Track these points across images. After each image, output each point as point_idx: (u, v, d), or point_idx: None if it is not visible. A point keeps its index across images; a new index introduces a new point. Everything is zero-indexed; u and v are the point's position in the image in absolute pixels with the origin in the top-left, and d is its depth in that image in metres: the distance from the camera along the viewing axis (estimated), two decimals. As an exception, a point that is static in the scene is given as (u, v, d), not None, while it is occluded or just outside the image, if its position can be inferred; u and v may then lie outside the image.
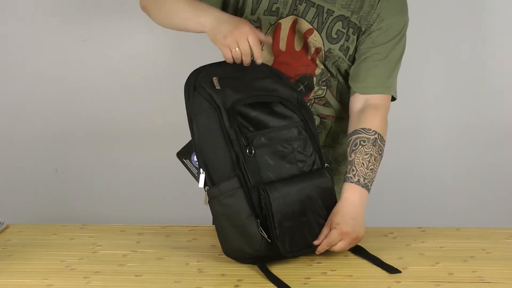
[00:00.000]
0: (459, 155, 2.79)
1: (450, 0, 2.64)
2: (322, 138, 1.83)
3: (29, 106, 2.82)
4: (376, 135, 1.68)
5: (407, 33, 1.78)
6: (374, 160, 1.66)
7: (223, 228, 1.54)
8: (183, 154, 1.65)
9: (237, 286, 1.45)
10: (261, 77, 1.60)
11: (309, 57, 1.75)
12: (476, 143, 2.76)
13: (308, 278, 1.47)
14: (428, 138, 2.78)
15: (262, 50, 1.74)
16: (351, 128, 1.72)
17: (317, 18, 1.72)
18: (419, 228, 1.77)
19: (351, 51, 1.75)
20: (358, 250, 1.60)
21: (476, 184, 2.79)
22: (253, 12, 1.74)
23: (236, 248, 1.54)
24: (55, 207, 2.84)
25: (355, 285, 1.46)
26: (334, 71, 1.77)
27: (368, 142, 1.66)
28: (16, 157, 2.86)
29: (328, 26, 1.72)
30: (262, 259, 1.52)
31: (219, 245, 1.58)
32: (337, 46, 1.74)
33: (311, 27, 1.73)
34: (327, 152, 1.84)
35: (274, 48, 1.76)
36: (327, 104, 1.80)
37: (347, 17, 1.72)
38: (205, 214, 1.70)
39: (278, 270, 1.50)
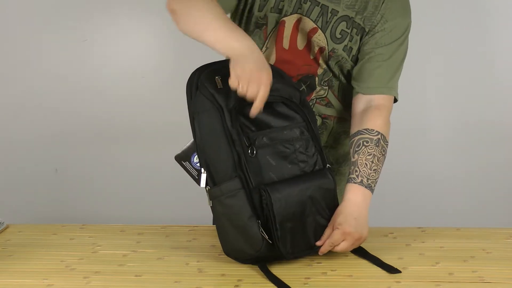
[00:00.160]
0: (459, 155, 2.79)
1: (450, 0, 2.64)
2: (323, 138, 1.82)
3: (29, 106, 2.83)
4: (379, 136, 1.67)
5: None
6: (377, 160, 1.66)
7: (224, 229, 1.54)
8: (182, 157, 1.64)
9: (237, 286, 1.45)
10: None
11: (312, 57, 1.75)
12: (476, 143, 2.77)
13: (308, 278, 1.47)
14: (428, 138, 2.78)
15: (266, 48, 1.74)
16: (353, 129, 1.71)
17: (321, 18, 1.72)
18: (419, 228, 1.77)
19: (354, 52, 1.75)
20: (358, 250, 1.60)
21: (476, 184, 2.79)
22: (260, 9, 1.74)
23: (236, 248, 1.54)
24: (55, 207, 2.85)
25: (355, 285, 1.46)
26: (336, 71, 1.77)
27: (371, 143, 1.66)
28: (16, 157, 2.86)
29: (332, 26, 1.72)
30: (262, 259, 1.52)
31: (219, 245, 1.58)
32: (341, 46, 1.74)
33: (315, 26, 1.72)
34: (328, 153, 1.84)
35: (277, 46, 1.75)
36: (328, 104, 1.80)
37: (352, 17, 1.72)
38: (205, 214, 1.70)
39: (278, 270, 1.50)
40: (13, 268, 1.55)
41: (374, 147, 1.66)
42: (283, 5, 1.72)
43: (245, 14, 1.76)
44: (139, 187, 2.85)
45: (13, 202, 2.77)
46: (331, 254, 1.57)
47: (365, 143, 1.66)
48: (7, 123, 2.84)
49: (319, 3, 1.71)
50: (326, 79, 1.77)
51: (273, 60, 1.75)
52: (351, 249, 1.58)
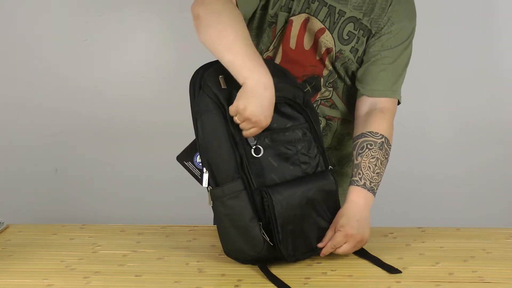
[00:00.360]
0: (459, 155, 2.79)
1: (453, 1, 2.64)
2: (327, 140, 1.82)
3: (29, 106, 2.83)
4: (383, 139, 1.67)
5: None
6: (381, 164, 1.66)
7: (225, 229, 1.54)
8: (184, 157, 1.64)
9: (237, 286, 1.45)
10: None
11: (318, 57, 1.74)
12: (476, 143, 2.77)
13: (308, 278, 1.47)
14: (428, 138, 2.78)
15: (274, 47, 1.74)
16: (357, 131, 1.71)
17: (328, 18, 1.71)
18: (419, 228, 1.77)
19: (359, 53, 1.75)
20: (358, 251, 1.60)
21: (476, 184, 2.79)
22: (273, 6, 1.73)
23: (237, 249, 1.54)
24: (55, 207, 2.84)
25: (355, 285, 1.46)
26: (342, 72, 1.76)
27: (375, 146, 1.66)
28: (16, 157, 2.86)
29: (340, 26, 1.72)
30: (263, 260, 1.52)
31: (219, 245, 1.58)
32: (348, 47, 1.73)
33: (323, 26, 1.72)
34: (331, 154, 1.83)
35: (284, 45, 1.74)
36: (333, 105, 1.79)
37: (359, 19, 1.72)
38: (205, 214, 1.70)
39: (278, 270, 1.50)
40: (13, 268, 1.55)
41: (378, 150, 1.66)
42: (292, 4, 1.71)
43: (260, 11, 1.75)
44: (139, 187, 2.85)
45: (13, 202, 2.77)
46: (331, 254, 1.57)
47: (369, 146, 1.66)
48: (7, 123, 2.84)
49: (327, 3, 1.71)
50: (331, 81, 1.77)
51: (279, 59, 1.75)
52: (353, 251, 1.58)
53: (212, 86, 1.50)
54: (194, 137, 1.58)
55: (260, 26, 1.76)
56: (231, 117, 1.48)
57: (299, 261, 1.54)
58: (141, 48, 2.80)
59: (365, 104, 1.74)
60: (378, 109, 1.72)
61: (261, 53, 1.76)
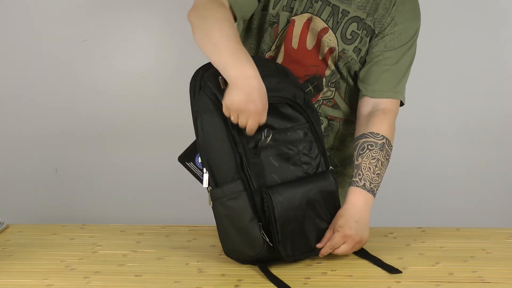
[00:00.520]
0: (459, 155, 2.79)
1: (454, 1, 2.64)
2: (329, 140, 1.82)
3: (29, 106, 2.82)
4: (384, 140, 1.67)
5: None
6: (381, 165, 1.65)
7: (225, 230, 1.54)
8: (186, 158, 1.64)
9: (237, 286, 1.45)
10: (268, 75, 1.59)
11: (320, 57, 1.74)
12: (476, 143, 2.76)
13: (308, 278, 1.47)
14: (428, 138, 2.78)
15: (276, 46, 1.74)
16: (358, 131, 1.71)
17: (332, 18, 1.71)
18: (419, 228, 1.77)
19: (362, 53, 1.74)
20: (358, 251, 1.60)
21: (476, 184, 2.79)
22: (274, 7, 1.73)
23: (237, 249, 1.54)
24: (55, 207, 2.84)
25: (355, 285, 1.46)
26: (344, 72, 1.76)
27: (376, 147, 1.66)
28: (16, 157, 2.86)
29: (343, 26, 1.71)
30: (263, 260, 1.52)
31: (219, 245, 1.58)
32: (351, 47, 1.73)
33: (326, 26, 1.72)
34: (334, 155, 1.83)
35: (286, 45, 1.74)
36: (335, 106, 1.79)
37: (362, 18, 1.71)
38: (205, 214, 1.70)
39: (278, 270, 1.50)
40: (13, 268, 1.55)
41: (379, 151, 1.65)
42: (295, 4, 1.71)
43: (261, 12, 1.75)
44: (139, 187, 2.85)
45: (13, 202, 2.77)
46: (331, 254, 1.57)
47: (369, 146, 1.66)
48: (7, 123, 2.84)
49: (330, 3, 1.70)
50: (333, 81, 1.76)
51: (281, 59, 1.75)
52: (352, 252, 1.58)
53: (212, 87, 1.50)
54: (194, 138, 1.58)
55: (261, 26, 1.75)
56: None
57: (298, 261, 1.54)
58: (141, 48, 2.80)
59: (367, 104, 1.73)
60: (380, 109, 1.71)
61: (263, 53, 1.76)
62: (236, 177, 1.49)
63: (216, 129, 1.50)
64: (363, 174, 1.63)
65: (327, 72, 1.75)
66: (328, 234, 1.56)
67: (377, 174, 1.64)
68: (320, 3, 1.71)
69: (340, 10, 1.71)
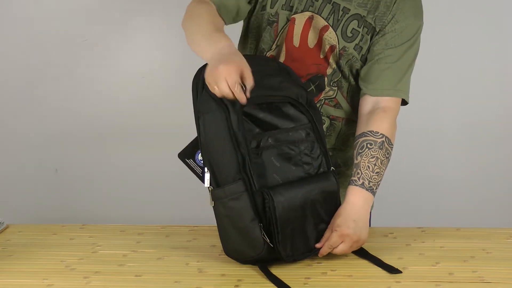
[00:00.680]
0: (459, 155, 2.79)
1: (455, 1, 2.64)
2: (331, 140, 1.81)
3: (29, 106, 2.83)
4: (384, 138, 1.66)
5: None
6: (381, 163, 1.65)
7: (225, 230, 1.54)
8: (186, 154, 1.64)
9: (237, 286, 1.45)
10: (270, 74, 1.59)
11: (322, 56, 1.74)
12: (476, 144, 2.77)
13: (308, 278, 1.47)
14: (427, 138, 2.78)
15: (276, 45, 1.74)
16: (359, 130, 1.70)
17: (332, 15, 1.70)
18: (419, 228, 1.77)
19: (363, 51, 1.74)
20: (358, 251, 1.60)
21: (476, 184, 2.79)
22: (272, 6, 1.73)
23: (237, 250, 1.53)
24: (55, 207, 2.84)
25: (355, 285, 1.46)
26: (346, 71, 1.75)
27: (375, 145, 1.65)
28: (16, 157, 2.86)
29: (344, 24, 1.71)
30: (263, 260, 1.52)
31: (219, 245, 1.58)
32: (352, 44, 1.72)
33: (327, 24, 1.72)
34: (337, 155, 1.82)
35: (287, 44, 1.74)
36: (337, 105, 1.78)
37: (363, 16, 1.71)
38: (205, 214, 1.70)
39: (278, 270, 1.50)
40: (13, 268, 1.55)
41: (378, 149, 1.65)
42: (294, 2, 1.71)
43: (258, 11, 1.75)
44: (139, 187, 2.85)
45: (13, 202, 2.77)
46: (331, 254, 1.57)
47: (368, 145, 1.65)
48: (7, 123, 2.84)
49: (331, 0, 1.70)
50: (335, 80, 1.76)
51: (283, 58, 1.74)
52: (350, 251, 1.58)
53: None
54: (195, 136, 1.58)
55: (259, 26, 1.75)
56: (235, 118, 1.47)
57: (298, 261, 1.54)
58: (141, 48, 2.80)
59: (368, 103, 1.73)
60: (381, 108, 1.71)
61: (262, 53, 1.76)
62: (237, 177, 1.48)
63: (218, 128, 1.50)
64: (362, 173, 1.63)
65: (329, 71, 1.75)
66: (327, 233, 1.56)
67: (377, 172, 1.64)
68: (320, 1, 1.71)
69: (341, 8, 1.71)
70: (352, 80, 1.77)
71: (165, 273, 1.51)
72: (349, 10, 1.71)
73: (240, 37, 1.84)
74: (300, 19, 1.72)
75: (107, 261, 1.59)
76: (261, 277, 1.48)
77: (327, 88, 1.76)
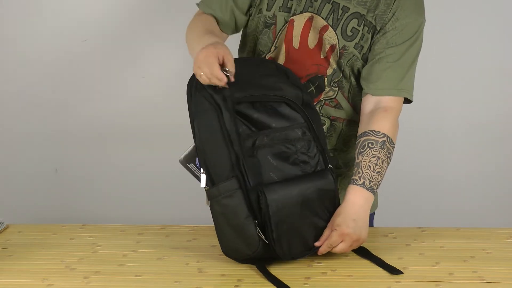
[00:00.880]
0: (459, 155, 2.79)
1: (455, 1, 2.64)
2: (332, 141, 1.80)
3: (29, 106, 2.82)
4: (385, 138, 1.66)
5: None
6: (382, 163, 1.65)
7: (221, 228, 1.54)
8: (187, 159, 1.64)
9: (237, 286, 1.45)
10: (266, 74, 1.59)
11: (322, 56, 1.73)
12: (476, 144, 2.76)
13: (308, 278, 1.47)
14: (427, 138, 2.78)
15: (275, 47, 1.75)
16: (360, 130, 1.69)
17: (332, 15, 1.70)
18: (419, 228, 1.77)
19: (365, 50, 1.73)
20: (360, 251, 1.60)
21: (476, 184, 2.79)
22: (268, 8, 1.73)
23: (234, 248, 1.54)
24: (55, 207, 2.84)
25: (355, 285, 1.46)
26: (347, 70, 1.74)
27: (376, 145, 1.65)
28: (16, 157, 2.86)
29: (343, 23, 1.70)
30: (261, 259, 1.52)
31: (219, 245, 1.58)
32: (352, 43, 1.72)
33: (326, 23, 1.71)
34: (338, 156, 1.81)
35: (286, 45, 1.74)
36: (338, 106, 1.78)
37: (363, 14, 1.70)
38: (205, 214, 1.70)
39: (277, 270, 1.50)
40: (13, 268, 1.55)
41: (379, 149, 1.65)
42: (292, 4, 1.71)
43: (255, 15, 1.75)
44: (139, 187, 2.85)
45: (13, 202, 2.77)
46: (331, 254, 1.57)
47: (370, 144, 1.65)
48: (7, 123, 2.84)
49: (330, 0, 1.70)
50: (336, 80, 1.75)
51: (282, 59, 1.74)
52: (349, 250, 1.58)
53: (208, 87, 1.51)
54: (194, 138, 1.58)
55: (255, 29, 1.76)
56: (228, 116, 1.49)
57: (296, 260, 1.54)
58: (141, 48, 2.80)
59: (369, 102, 1.72)
60: (382, 107, 1.70)
61: (260, 55, 1.76)
62: (230, 175, 1.49)
63: (211, 128, 1.51)
64: (362, 172, 1.63)
65: (329, 71, 1.74)
66: (326, 232, 1.56)
67: (377, 172, 1.64)
68: (320, 1, 1.70)
69: (340, 7, 1.70)
70: (353, 80, 1.77)
71: (165, 273, 1.51)
72: (349, 8, 1.70)
73: (240, 43, 1.85)
74: (299, 21, 1.72)
75: (107, 261, 1.59)
76: (261, 277, 1.48)
77: (327, 89, 1.76)
